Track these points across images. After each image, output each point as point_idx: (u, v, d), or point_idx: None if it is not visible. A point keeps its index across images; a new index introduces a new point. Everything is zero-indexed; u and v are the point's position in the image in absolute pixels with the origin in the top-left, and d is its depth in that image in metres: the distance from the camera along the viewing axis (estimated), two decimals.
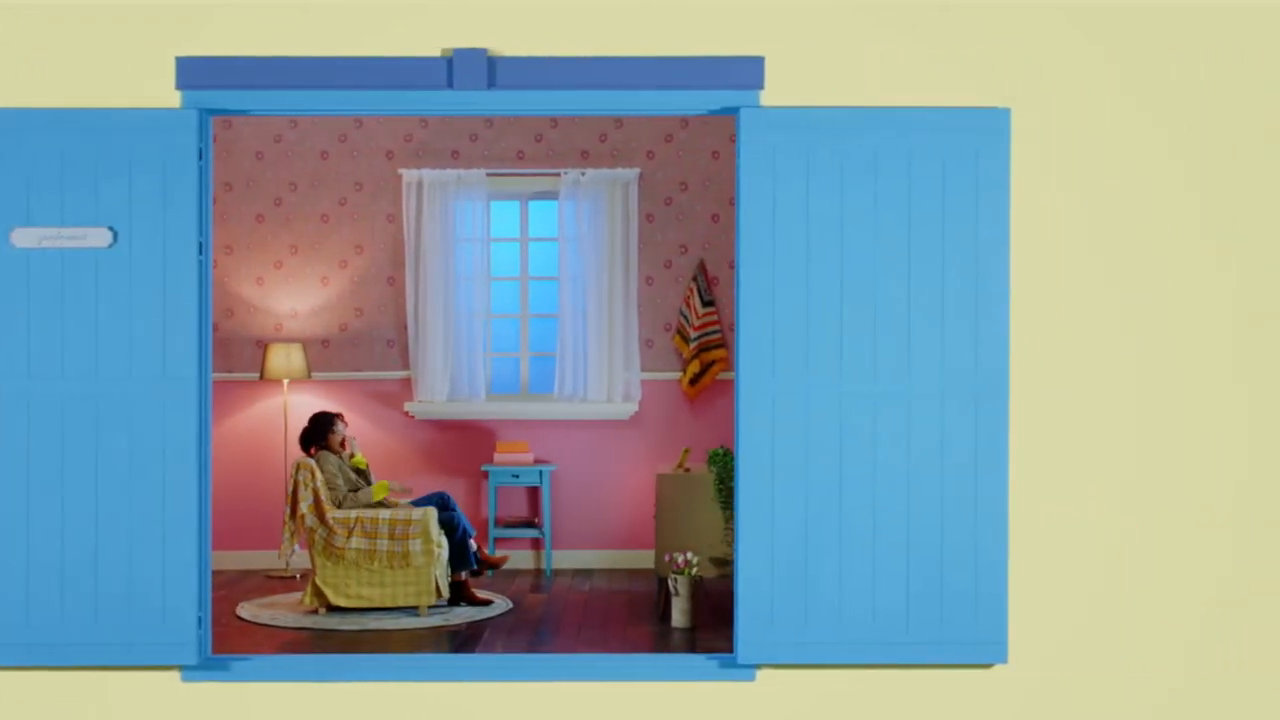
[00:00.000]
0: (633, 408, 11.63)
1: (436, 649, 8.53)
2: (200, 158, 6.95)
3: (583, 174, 11.63)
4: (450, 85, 6.95)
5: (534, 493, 11.68)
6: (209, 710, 6.91)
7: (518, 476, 11.35)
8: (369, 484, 9.94)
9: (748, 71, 6.95)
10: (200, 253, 6.93)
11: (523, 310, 12.02)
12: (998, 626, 6.92)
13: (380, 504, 9.71)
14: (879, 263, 6.91)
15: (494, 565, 9.95)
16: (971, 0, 6.93)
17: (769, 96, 6.95)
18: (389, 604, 9.41)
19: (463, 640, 8.74)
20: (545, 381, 11.94)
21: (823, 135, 6.89)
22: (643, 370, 11.69)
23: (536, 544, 11.66)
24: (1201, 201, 6.90)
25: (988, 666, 6.97)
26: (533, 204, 11.97)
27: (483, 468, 11.53)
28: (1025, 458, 6.93)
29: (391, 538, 9.36)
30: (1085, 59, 6.91)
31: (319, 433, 9.87)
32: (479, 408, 11.68)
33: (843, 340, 6.91)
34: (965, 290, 6.89)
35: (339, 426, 9.92)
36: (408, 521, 9.42)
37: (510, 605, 9.81)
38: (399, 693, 6.96)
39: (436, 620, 9.29)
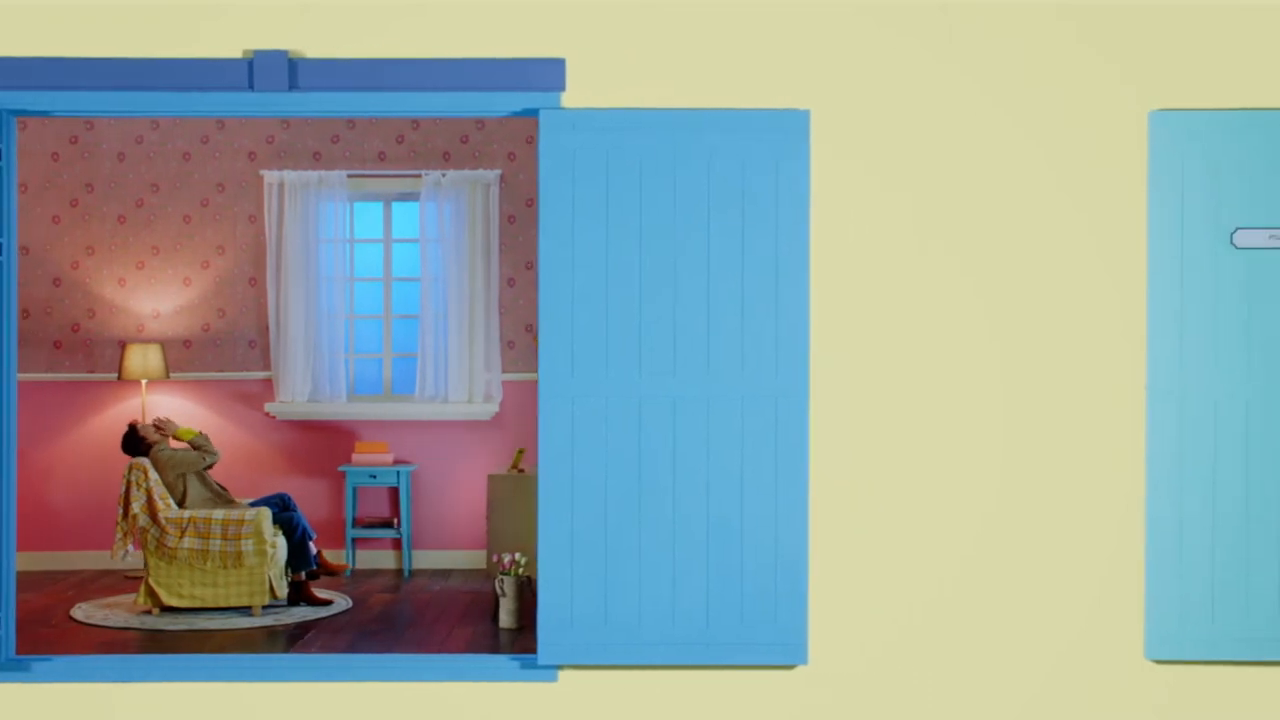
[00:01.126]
0: (494, 408, 11.64)
1: (262, 649, 8.52)
2: (1, 158, 6.92)
3: (444, 175, 11.64)
4: (251, 87, 6.95)
5: (395, 493, 11.67)
6: (7, 711, 6.88)
7: (375, 477, 11.35)
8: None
9: (548, 73, 6.97)
10: (1, 253, 6.90)
11: (385, 311, 12.01)
12: (797, 628, 6.96)
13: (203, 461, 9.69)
14: (679, 264, 6.93)
15: (332, 572, 9.94)
16: (774, 0, 6.95)
17: (573, 98, 6.96)
18: (222, 604, 9.39)
19: (287, 640, 8.73)
20: (408, 382, 11.95)
21: (623, 137, 6.91)
22: (504, 371, 11.72)
23: (397, 544, 11.65)
24: (1001, 203, 6.94)
25: (788, 668, 7.00)
26: (396, 205, 11.96)
27: (340, 468, 11.51)
28: (826, 459, 6.96)
29: (224, 538, 9.34)
30: (886, 60, 6.94)
31: (133, 445, 9.85)
32: (340, 408, 11.68)
33: (641, 342, 6.93)
34: (765, 292, 6.92)
35: (144, 429, 9.88)
36: (240, 522, 9.41)
37: (349, 605, 9.80)
38: (194, 693, 6.94)
39: (269, 620, 9.27)
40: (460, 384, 11.61)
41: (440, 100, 7.02)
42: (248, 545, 9.38)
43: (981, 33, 6.95)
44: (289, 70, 6.94)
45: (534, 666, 7.06)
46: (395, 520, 11.52)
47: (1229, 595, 6.90)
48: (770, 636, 6.97)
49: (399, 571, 11.51)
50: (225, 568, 9.37)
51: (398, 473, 11.40)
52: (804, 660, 6.96)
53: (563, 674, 7.03)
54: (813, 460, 6.98)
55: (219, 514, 9.46)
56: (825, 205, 6.96)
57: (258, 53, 6.92)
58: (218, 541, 9.34)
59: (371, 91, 6.97)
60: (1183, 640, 6.92)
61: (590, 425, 6.94)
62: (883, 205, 6.97)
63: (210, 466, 9.85)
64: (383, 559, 11.72)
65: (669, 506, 6.94)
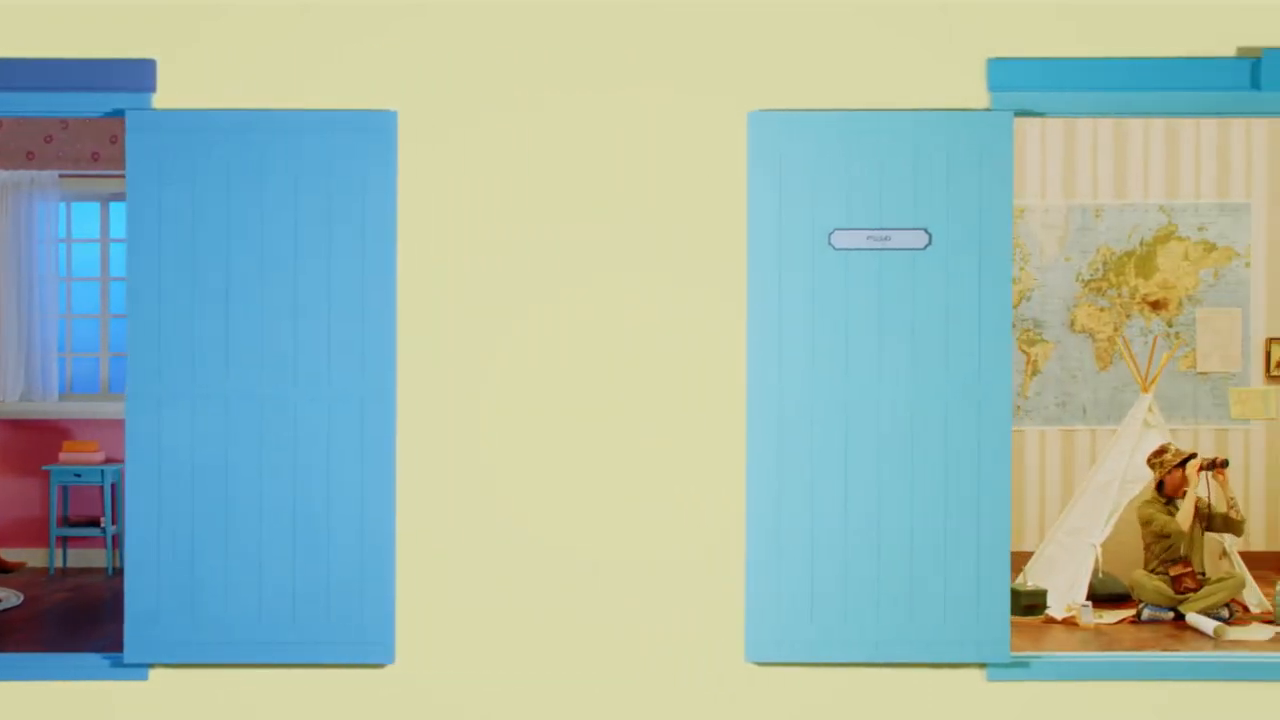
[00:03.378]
0: None
1: None
2: None
3: None
4: None
5: (107, 491, 11.61)
6: None
7: (80, 476, 11.29)
8: None
9: (138, 73, 6.98)
10: None
11: (103, 310, 11.95)
12: (384, 627, 7.00)
13: None
14: (266, 266, 6.96)
15: (8, 569, 9.88)
16: (360, 3, 7.00)
17: (166, 99, 6.98)
18: None
19: None
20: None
21: (211, 137, 6.94)
22: None
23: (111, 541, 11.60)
24: (601, 204, 7.01)
25: (377, 666, 7.04)
26: (113, 205, 11.91)
27: (43, 467, 11.46)
28: (414, 461, 7.00)
29: None
30: (476, 61, 7.00)
31: None
32: (51, 407, 11.61)
33: (229, 345, 6.95)
34: (352, 293, 6.96)
35: None
36: None
37: (17, 603, 9.75)
38: None
39: None
40: None
41: (30, 100, 7.02)
42: None
43: (579, 30, 7.02)
44: None
45: (122, 665, 7.06)
46: (102, 518, 11.46)
47: (828, 597, 7.00)
48: (357, 635, 7.01)
49: (105, 570, 11.46)
50: None
51: (102, 471, 11.34)
52: (391, 659, 7.01)
53: (153, 672, 7.04)
54: (400, 462, 7.02)
55: None
56: (414, 207, 7.01)
57: None
58: None
59: None
60: (782, 643, 7.03)
61: (177, 426, 6.96)
62: (473, 207, 7.02)
63: None
64: (94, 557, 11.67)
65: (255, 507, 6.98)
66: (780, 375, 6.97)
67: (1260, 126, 11.18)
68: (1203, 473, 9.19)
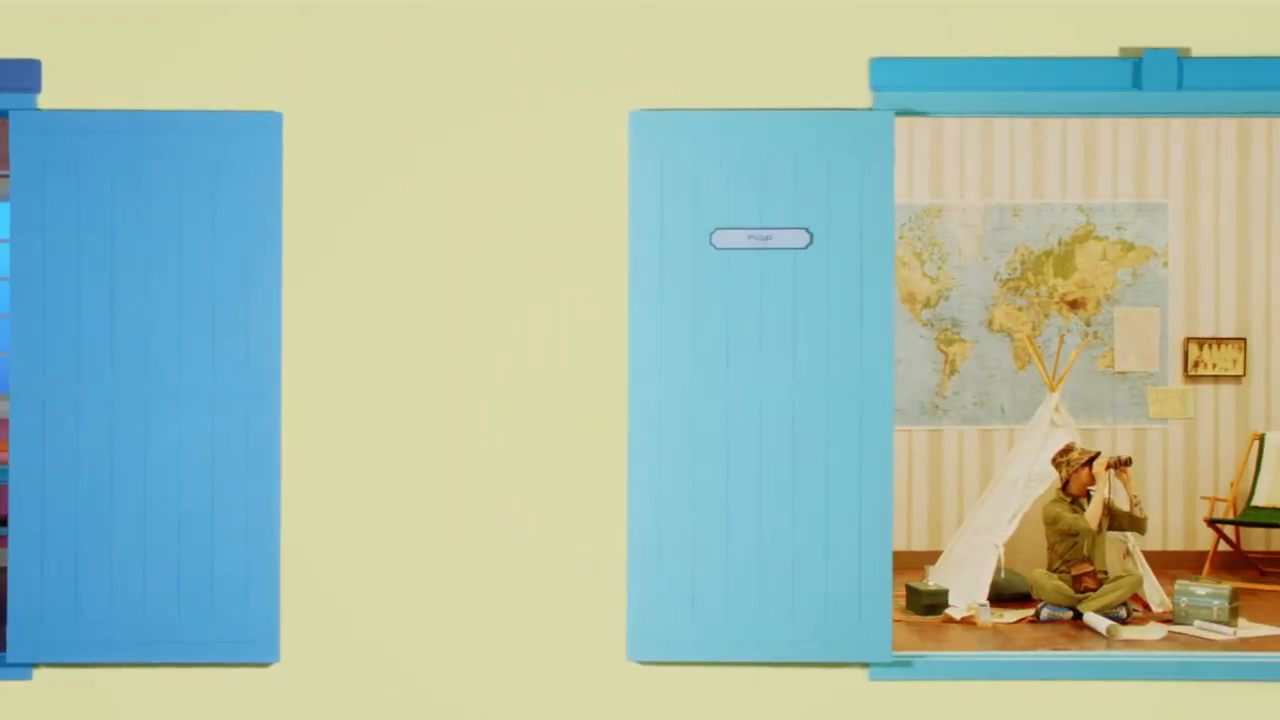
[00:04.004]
0: None
1: None
2: None
3: None
4: None
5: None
6: None
7: None
8: None
9: (23, 74, 6.98)
10: None
11: None
12: (269, 626, 7.00)
13: None
14: (151, 266, 6.96)
15: None
16: (247, 3, 7.00)
17: (50, 99, 6.98)
18: None
19: None
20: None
21: (96, 138, 6.93)
22: None
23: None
24: (484, 203, 7.02)
25: (262, 665, 7.05)
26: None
27: None
28: (300, 461, 7.01)
29: None
30: (362, 63, 7.01)
31: None
32: None
33: (114, 344, 6.95)
34: (236, 293, 6.97)
35: None
36: None
37: None
38: None
39: None
40: None
41: None
42: None
43: (462, 30, 7.03)
44: None
45: (5, 664, 7.06)
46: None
47: (709, 597, 7.01)
48: (241, 634, 7.01)
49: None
50: None
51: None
52: (275, 658, 7.01)
53: (37, 672, 7.04)
54: (285, 461, 7.03)
55: None
56: (299, 207, 7.02)
57: None
58: None
59: None
60: (664, 642, 7.03)
61: (61, 425, 6.96)
62: (357, 207, 7.03)
63: None
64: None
65: (140, 506, 6.98)
66: (662, 375, 6.99)
67: (1178, 127, 11.22)
68: (1109, 471, 9.22)
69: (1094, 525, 9.20)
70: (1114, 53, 7.03)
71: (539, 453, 7.04)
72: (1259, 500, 10.67)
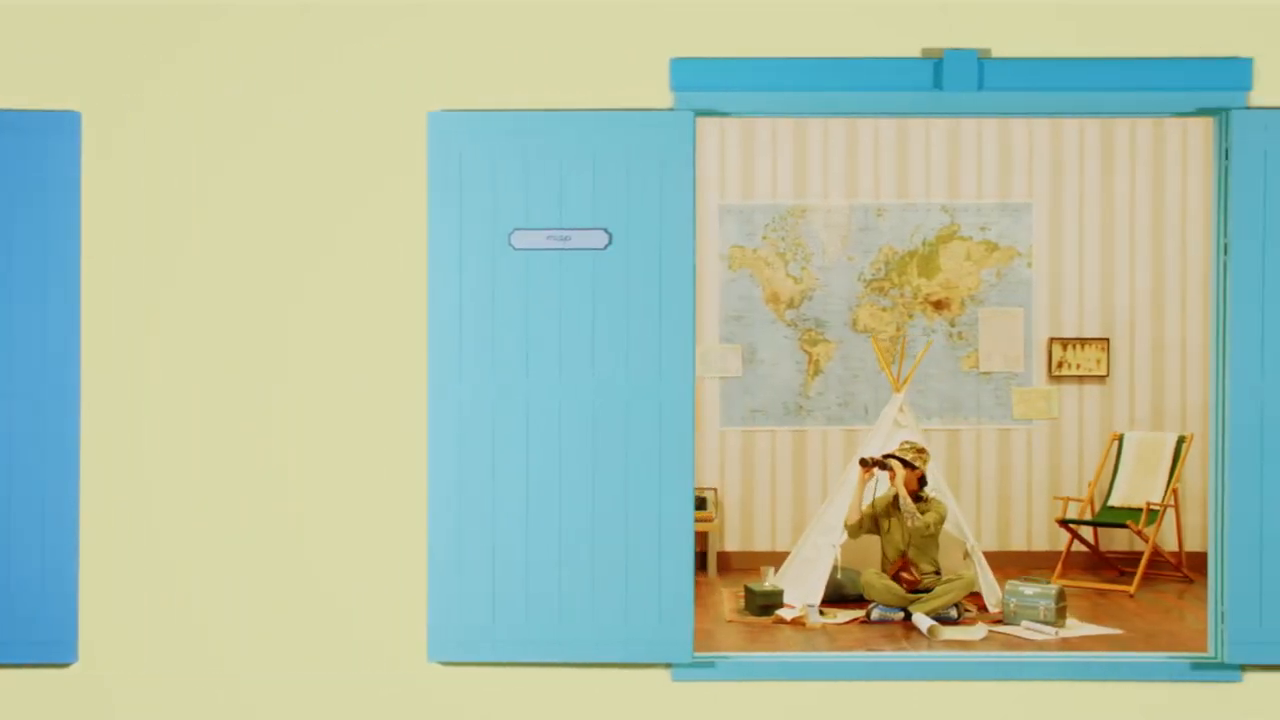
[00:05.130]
0: None
1: None
2: None
3: None
4: None
5: None
6: None
7: None
8: None
9: None
10: None
11: None
12: (67, 626, 6.97)
13: None
14: None
15: None
16: (52, 2, 6.97)
17: None
18: None
19: None
20: None
21: None
22: None
23: None
24: (284, 202, 7.01)
25: (60, 666, 7.02)
26: None
27: None
28: (97, 457, 6.98)
29: None
30: (155, 62, 6.98)
31: None
32: None
33: None
34: (34, 290, 6.93)
35: None
36: None
37: None
38: None
39: None
40: None
41: None
42: None
43: (260, 29, 7.00)
44: None
45: None
46: None
47: (510, 597, 7.00)
48: (39, 635, 6.98)
49: None
50: None
51: None
52: (73, 658, 6.98)
53: None
54: (84, 460, 7.00)
55: None
56: (98, 206, 6.99)
57: None
58: None
59: None
60: (464, 643, 7.02)
61: None
62: (157, 206, 7.00)
63: None
64: None
65: None
66: (461, 376, 6.98)
67: (1042, 127, 11.23)
68: (876, 470, 9.20)
69: (851, 522, 9.19)
70: (916, 53, 7.03)
71: (340, 455, 7.03)
72: (1115, 500, 10.69)
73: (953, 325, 11.28)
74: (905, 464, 9.16)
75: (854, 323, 11.32)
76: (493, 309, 6.99)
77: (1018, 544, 11.36)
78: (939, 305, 11.29)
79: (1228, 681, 7.04)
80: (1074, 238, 11.27)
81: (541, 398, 6.99)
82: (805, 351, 11.34)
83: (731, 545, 11.38)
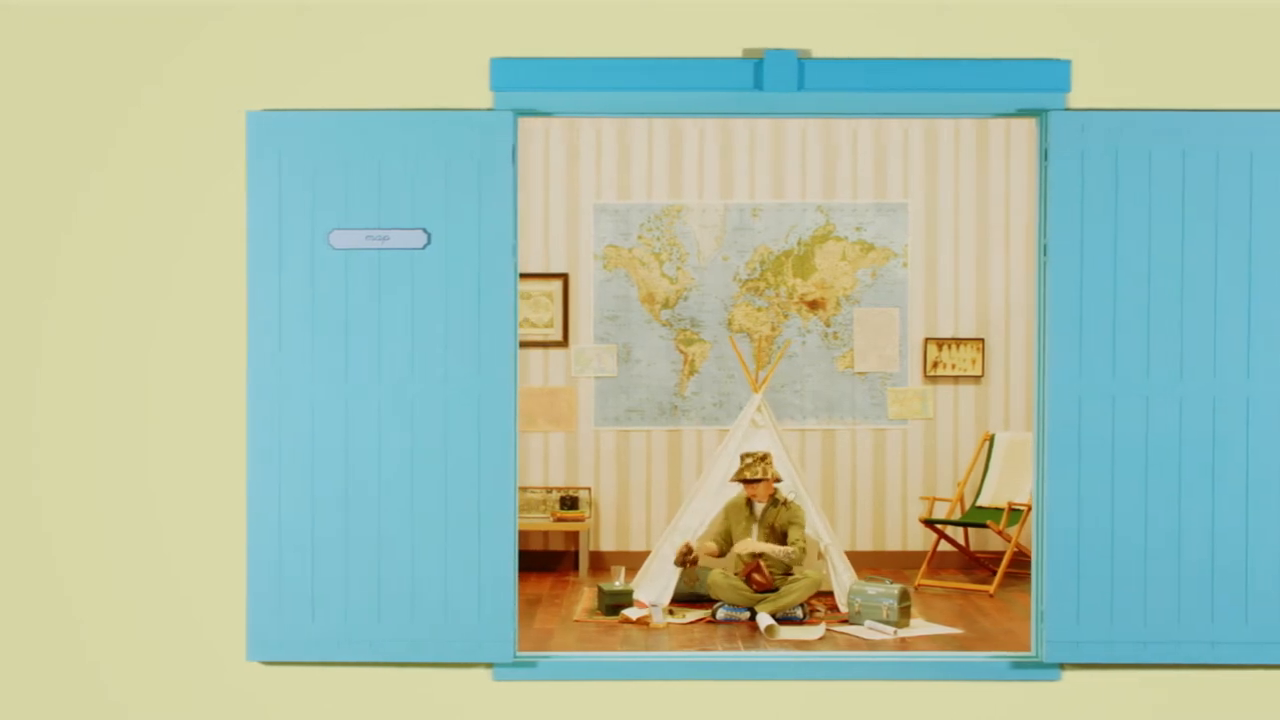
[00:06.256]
0: None
1: None
2: None
3: None
4: None
5: None
6: None
7: None
8: None
9: None
10: None
11: None
12: None
13: None
14: None
15: None
16: None
17: None
18: None
19: None
20: None
21: None
22: None
23: None
24: (107, 202, 6.98)
25: None
26: None
27: None
28: None
29: None
30: None
31: None
32: None
33: None
34: None
35: None
36: None
37: None
38: None
39: None
40: None
41: None
42: None
43: (78, 26, 6.98)
44: None
45: None
46: None
47: (329, 597, 6.99)
48: None
49: None
50: None
51: None
52: None
53: None
54: None
55: None
56: None
57: None
58: None
59: None
60: (284, 642, 7.00)
61: None
62: None
63: None
64: None
65: None
66: (281, 376, 6.96)
67: (917, 128, 11.25)
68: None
69: (710, 554, 9.26)
70: (737, 54, 7.04)
71: (159, 455, 7.02)
72: (984, 500, 10.72)
73: (828, 325, 11.30)
74: (748, 482, 9.15)
75: (729, 323, 11.33)
76: (312, 309, 6.97)
77: (893, 544, 11.39)
78: (814, 305, 11.30)
79: (1046, 680, 7.06)
80: (949, 238, 11.29)
81: (361, 397, 6.98)
82: (681, 351, 11.34)
83: (606, 545, 11.38)
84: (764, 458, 9.19)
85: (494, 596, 7.02)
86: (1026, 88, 7.04)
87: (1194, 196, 6.97)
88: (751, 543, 9.15)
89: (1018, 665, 7.09)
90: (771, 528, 9.22)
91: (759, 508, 9.30)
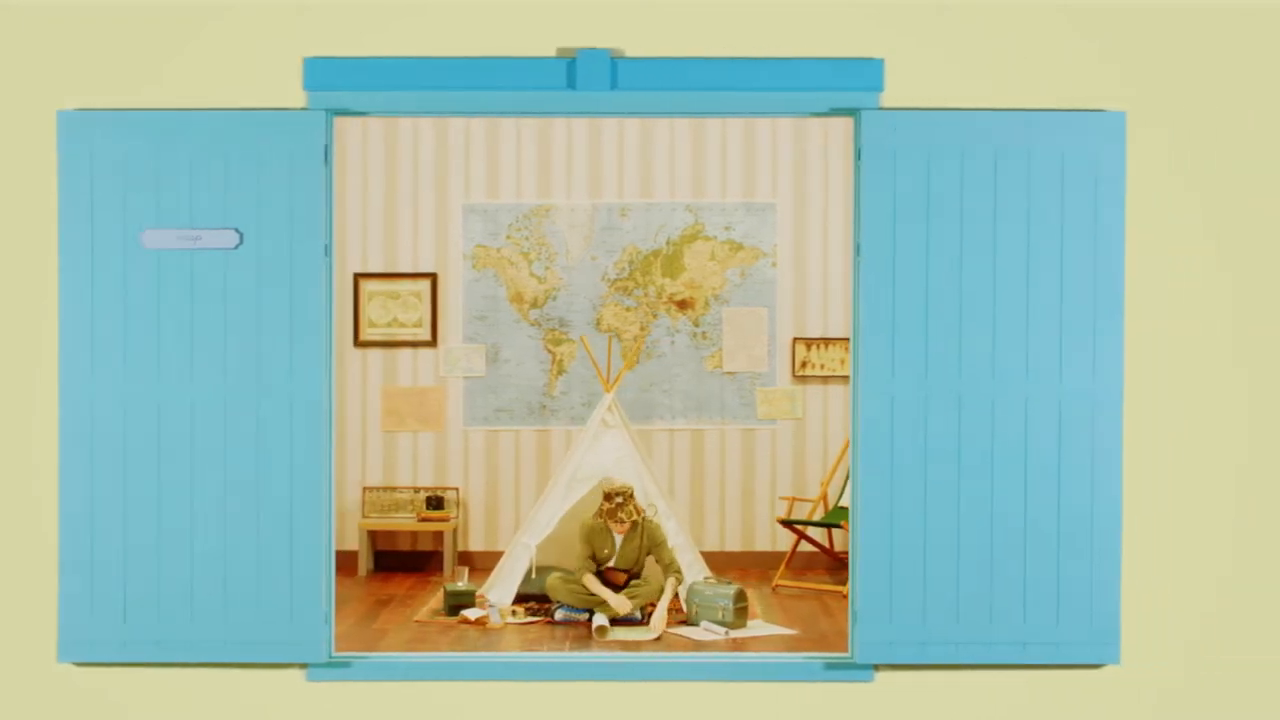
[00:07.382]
0: None
1: None
2: None
3: None
4: None
5: None
6: None
7: None
8: None
9: None
10: None
11: None
12: None
13: None
14: None
15: None
16: None
17: None
18: None
19: None
20: None
21: None
22: None
23: None
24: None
25: None
26: None
27: None
28: None
29: None
30: None
31: None
32: None
33: None
34: None
35: None
36: None
37: None
38: None
39: None
40: None
41: None
42: None
43: None
44: None
45: None
46: None
47: (141, 598, 6.97)
48: None
49: None
50: None
51: None
52: None
53: None
54: None
55: None
56: None
57: None
58: None
59: None
60: (95, 643, 6.98)
61: None
62: None
63: None
64: None
65: None
66: (93, 378, 6.95)
67: (786, 127, 11.26)
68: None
69: (587, 577, 9.17)
70: (551, 53, 7.04)
71: None
72: (846, 500, 10.73)
73: (697, 325, 11.31)
74: (612, 514, 9.08)
75: (598, 322, 11.33)
76: (124, 309, 6.96)
77: (762, 544, 11.40)
78: (683, 305, 11.31)
79: (860, 681, 7.08)
80: (818, 238, 11.31)
81: (173, 398, 6.96)
82: (549, 351, 11.34)
83: (475, 545, 11.37)
84: (630, 496, 9.09)
85: (306, 596, 7.01)
86: (840, 87, 7.06)
87: (1006, 196, 7.00)
88: (663, 599, 8.98)
89: (831, 666, 7.10)
90: (638, 548, 9.18)
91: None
